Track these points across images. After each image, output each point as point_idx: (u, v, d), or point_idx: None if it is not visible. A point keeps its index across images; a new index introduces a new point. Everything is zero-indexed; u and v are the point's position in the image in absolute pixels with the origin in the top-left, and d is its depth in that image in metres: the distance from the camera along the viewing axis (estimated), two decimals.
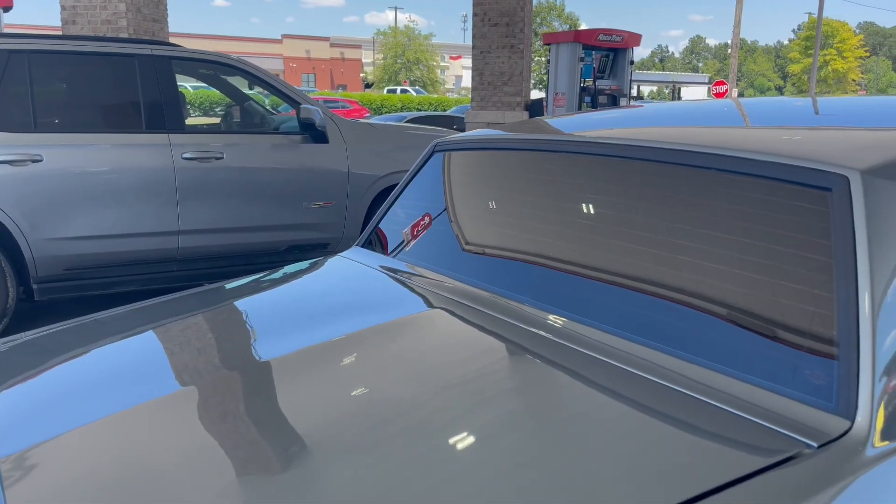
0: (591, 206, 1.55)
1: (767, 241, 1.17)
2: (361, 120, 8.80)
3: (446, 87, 61.43)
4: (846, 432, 0.95)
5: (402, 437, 1.04)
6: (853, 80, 57.75)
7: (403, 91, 39.26)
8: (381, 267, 1.90)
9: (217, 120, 6.13)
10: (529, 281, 1.54)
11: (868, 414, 0.96)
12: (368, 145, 5.22)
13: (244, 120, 5.58)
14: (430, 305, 1.60)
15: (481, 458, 0.98)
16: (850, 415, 0.97)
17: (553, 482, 0.92)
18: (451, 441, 1.04)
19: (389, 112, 25.88)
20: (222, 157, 4.61)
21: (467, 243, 1.82)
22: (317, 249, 5.10)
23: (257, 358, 1.41)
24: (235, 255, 4.77)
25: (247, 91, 5.91)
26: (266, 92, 5.32)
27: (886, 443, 0.96)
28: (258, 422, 1.12)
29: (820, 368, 1.02)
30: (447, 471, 0.95)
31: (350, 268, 1.96)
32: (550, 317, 1.39)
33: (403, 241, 2.01)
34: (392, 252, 1.99)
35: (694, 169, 1.31)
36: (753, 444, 0.97)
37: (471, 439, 1.04)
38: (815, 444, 0.95)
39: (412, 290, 1.73)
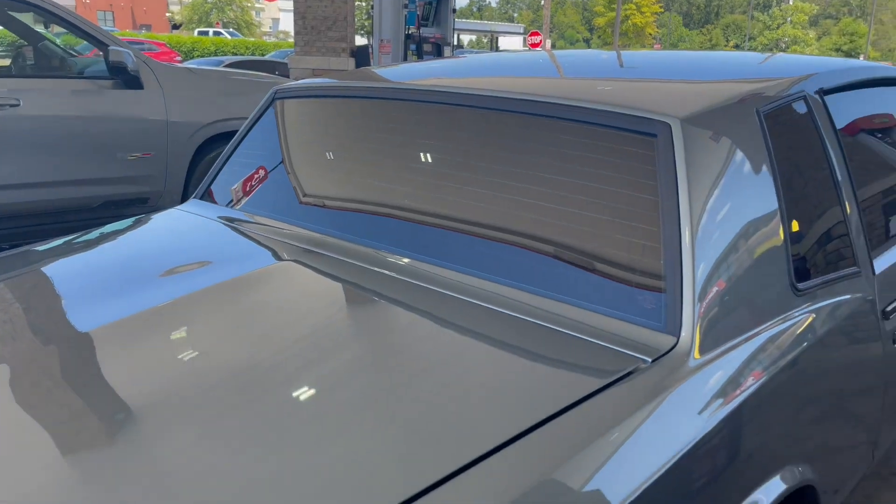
0: (431, 152, 1.60)
1: (602, 183, 1.29)
2: (179, 65, 8.23)
3: (262, 30, 58.56)
4: (673, 347, 1.10)
5: (250, 393, 1.04)
6: (650, 35, 62.48)
7: (216, 33, 36.89)
8: (222, 218, 1.84)
9: (6, 62, 5.48)
10: (372, 225, 1.57)
11: (690, 331, 1.12)
12: (188, 92, 4.91)
13: (40, 63, 5.02)
14: (276, 254, 1.59)
15: (333, 406, 1.02)
16: (676, 332, 1.12)
17: (409, 415, 0.98)
18: (298, 393, 1.06)
19: (202, 56, 24.24)
20: (18, 104, 4.13)
21: (310, 191, 1.81)
22: (135, 204, 4.76)
23: (84, 325, 1.32)
24: (42, 214, 4.34)
25: (40, 30, 5.29)
26: (63, 31, 4.81)
27: (704, 354, 1.12)
28: (84, 394, 1.06)
29: (650, 295, 1.16)
30: (290, 424, 0.97)
31: (189, 221, 1.88)
32: (393, 258, 1.44)
33: (245, 191, 1.96)
34: (233, 203, 1.94)
35: (535, 117, 1.40)
36: (601, 362, 1.09)
37: (321, 388, 1.07)
38: (649, 359, 1.09)
39: (256, 240, 1.70)
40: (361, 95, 1.85)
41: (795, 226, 1.37)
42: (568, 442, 0.93)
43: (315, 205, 1.74)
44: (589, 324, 1.16)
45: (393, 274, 1.40)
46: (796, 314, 1.30)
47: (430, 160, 1.61)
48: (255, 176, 1.98)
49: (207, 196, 2.02)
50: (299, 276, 1.49)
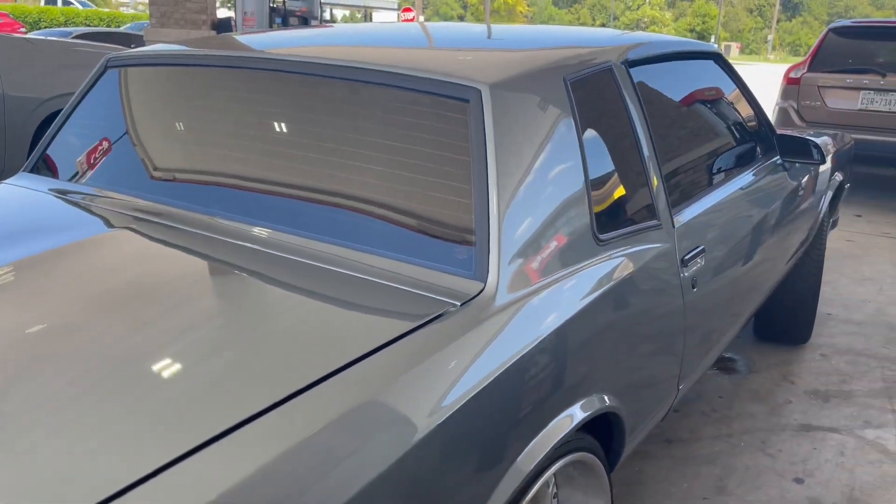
0: (268, 119, 1.64)
1: (419, 145, 1.38)
2: (16, 35, 7.61)
3: (119, 0, 54.92)
4: (480, 292, 1.21)
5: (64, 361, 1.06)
6: (521, 13, 63.87)
7: (66, 3, 34.21)
8: (53, 191, 1.79)
9: None
10: (210, 193, 1.60)
11: (496, 277, 1.23)
12: (28, 64, 4.60)
13: None
14: (106, 223, 1.58)
15: (139, 358, 1.07)
16: (483, 279, 1.23)
17: (215, 362, 1.06)
18: (101, 350, 1.10)
19: (49, 27, 22.42)
20: None
21: (142, 161, 1.80)
22: None
23: None
24: None
25: None
26: None
27: (510, 297, 1.24)
28: None
29: (462, 247, 1.27)
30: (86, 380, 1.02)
31: (17, 194, 1.81)
32: (223, 222, 1.48)
33: (78, 163, 1.91)
34: (65, 176, 1.88)
35: (358, 83, 1.47)
36: (415, 308, 1.19)
37: (130, 343, 1.11)
38: (458, 303, 1.19)
39: (87, 210, 1.68)
40: (194, 63, 1.84)
41: (598, 183, 1.52)
42: (379, 376, 1.02)
43: (147, 174, 1.73)
44: (406, 275, 1.26)
45: (221, 237, 1.43)
46: (596, 261, 1.45)
47: (254, 126, 1.65)
48: (88, 147, 1.94)
49: (37, 170, 1.95)
50: (127, 243, 1.49)
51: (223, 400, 0.97)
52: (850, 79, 6.19)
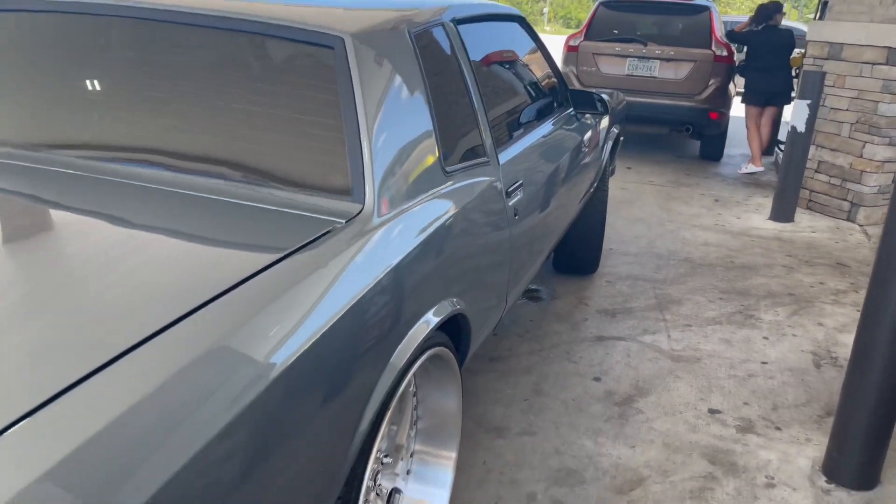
0: (150, 67, 1.69)
1: (294, 88, 1.54)
2: None
3: None
4: (361, 211, 1.43)
5: None
6: None
7: None
8: None
9: None
10: (85, 134, 1.63)
11: (372, 199, 1.45)
12: None
13: None
14: None
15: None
16: (362, 201, 1.44)
17: (100, 292, 1.11)
18: None
19: None
20: None
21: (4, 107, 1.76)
22: None
23: None
24: None
25: None
26: None
27: (383, 215, 1.47)
28: None
29: (341, 175, 1.47)
30: None
31: None
32: (109, 165, 1.55)
33: None
34: None
35: (235, 33, 1.59)
36: (310, 226, 1.36)
37: None
38: (343, 221, 1.39)
39: None
40: (43, 10, 1.82)
41: (442, 124, 1.78)
42: (288, 278, 1.19)
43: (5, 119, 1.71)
44: (295, 202, 1.43)
45: (99, 176, 1.50)
46: (445, 189, 1.71)
47: (132, 74, 1.69)
48: None
49: None
50: None
51: (91, 337, 0.98)
52: (618, 47, 7.04)
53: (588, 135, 3.18)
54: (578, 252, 3.78)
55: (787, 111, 7.10)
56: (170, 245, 1.30)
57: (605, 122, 3.59)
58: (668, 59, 6.90)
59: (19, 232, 1.34)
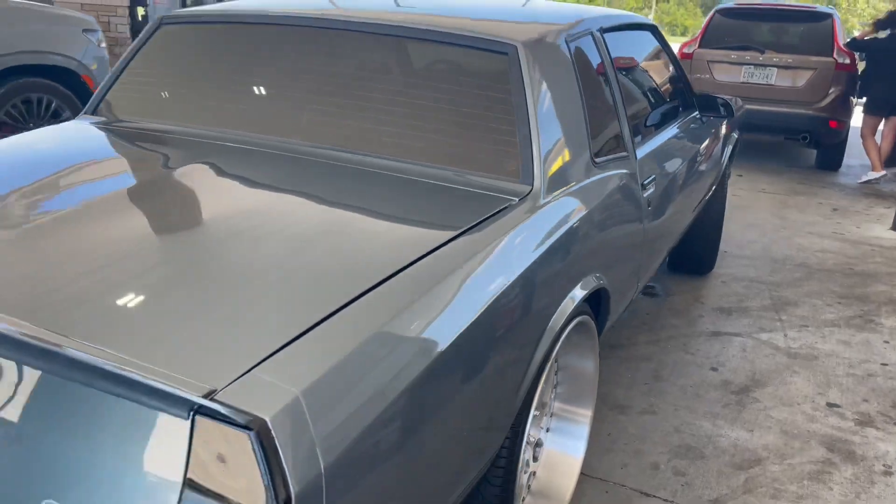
0: (319, 72, 2.02)
1: (473, 88, 1.82)
2: None
3: None
4: (530, 192, 1.68)
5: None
6: None
7: None
8: (122, 128, 2.09)
9: None
10: (289, 123, 1.96)
11: (539, 182, 1.70)
12: None
13: None
14: (187, 150, 1.90)
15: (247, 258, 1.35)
16: (531, 183, 1.70)
17: (345, 245, 1.39)
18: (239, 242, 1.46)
19: None
20: None
21: (198, 102, 2.12)
22: None
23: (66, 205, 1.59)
24: None
25: None
26: None
27: (547, 196, 1.72)
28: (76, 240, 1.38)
29: (514, 161, 1.73)
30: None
31: (92, 130, 2.10)
32: (314, 148, 1.87)
33: (137, 103, 2.20)
34: (125, 118, 2.17)
35: (420, 42, 1.89)
36: (492, 203, 1.63)
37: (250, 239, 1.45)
38: (516, 199, 1.65)
39: (161, 141, 1.98)
40: (241, 22, 2.18)
41: (591, 120, 2.01)
42: (481, 242, 1.46)
43: (205, 113, 2.06)
44: (483, 185, 1.70)
45: (308, 158, 1.82)
46: (594, 177, 1.95)
47: (309, 80, 2.02)
48: (144, 91, 2.23)
49: (97, 112, 2.23)
50: (210, 164, 1.83)
51: (334, 281, 1.24)
52: (734, 55, 7.04)
53: (711, 138, 3.33)
54: (696, 251, 3.90)
55: None
56: (384, 214, 1.59)
57: (724, 126, 3.71)
58: (787, 67, 6.84)
59: (255, 205, 1.66)
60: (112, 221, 1.44)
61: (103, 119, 2.18)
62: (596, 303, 2.01)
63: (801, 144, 7.03)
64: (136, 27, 9.59)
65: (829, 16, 7.09)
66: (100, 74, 5.36)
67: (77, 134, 2.09)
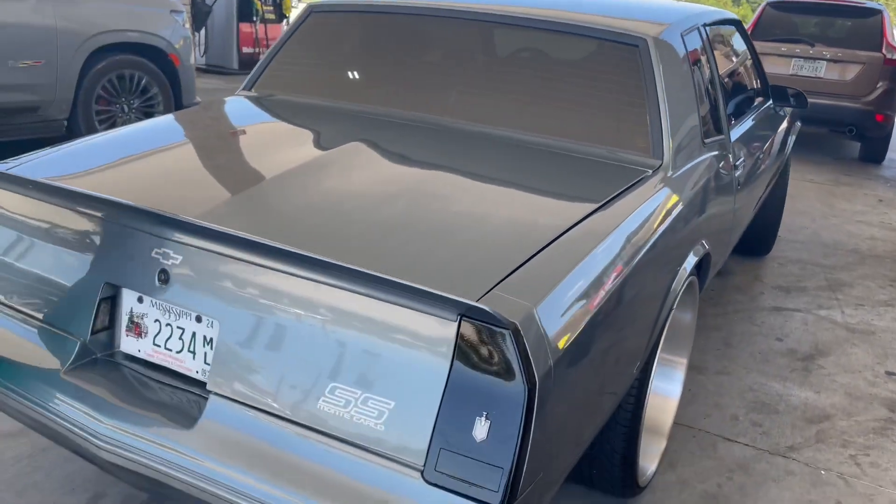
0: (466, 58, 2.31)
1: (609, 74, 2.10)
2: None
3: None
4: (661, 165, 1.97)
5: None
6: None
7: None
8: (289, 102, 2.39)
9: None
10: (431, 102, 2.25)
11: (668, 157, 1.98)
12: (75, 3, 4.93)
13: None
14: (345, 125, 2.19)
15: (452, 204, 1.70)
16: (661, 158, 1.98)
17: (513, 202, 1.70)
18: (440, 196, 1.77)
19: None
20: None
21: (357, 82, 2.42)
22: (25, 113, 4.77)
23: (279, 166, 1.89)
24: None
25: None
26: None
27: (674, 171, 2.00)
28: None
29: (647, 140, 2.01)
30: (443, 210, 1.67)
31: (257, 105, 2.40)
32: (468, 124, 2.16)
33: (289, 81, 2.50)
34: (281, 90, 2.46)
35: (558, 33, 2.18)
36: (631, 174, 1.91)
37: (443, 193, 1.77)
38: (650, 171, 1.94)
39: (322, 116, 2.27)
40: (386, 12, 2.47)
41: (701, 105, 2.29)
42: (624, 209, 1.74)
43: (362, 91, 2.36)
44: (619, 158, 1.99)
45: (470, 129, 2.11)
46: (704, 155, 2.23)
47: (459, 65, 2.31)
48: (295, 71, 2.53)
49: (254, 87, 2.53)
50: (380, 134, 2.11)
51: (534, 227, 1.56)
52: (784, 48, 7.22)
53: (781, 125, 3.58)
54: (758, 233, 4.16)
55: None
56: (553, 178, 1.87)
57: (789, 117, 3.96)
58: (836, 61, 7.02)
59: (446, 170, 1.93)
60: (336, 175, 1.75)
61: (258, 94, 2.48)
62: (698, 267, 2.29)
63: (847, 137, 7.21)
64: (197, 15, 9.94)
65: (878, 11, 7.24)
66: (184, 53, 5.68)
67: (246, 107, 2.39)
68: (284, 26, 11.13)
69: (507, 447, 1.20)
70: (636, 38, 2.10)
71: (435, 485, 1.24)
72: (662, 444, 2.26)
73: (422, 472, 1.25)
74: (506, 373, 1.21)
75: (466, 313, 1.23)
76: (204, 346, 1.49)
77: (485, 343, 1.22)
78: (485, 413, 1.22)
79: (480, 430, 1.22)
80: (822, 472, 2.38)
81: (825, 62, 7.07)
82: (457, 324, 1.24)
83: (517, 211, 1.64)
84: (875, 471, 2.41)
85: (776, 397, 2.81)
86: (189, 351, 1.52)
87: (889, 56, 6.92)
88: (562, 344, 1.31)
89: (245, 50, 10.53)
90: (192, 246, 1.46)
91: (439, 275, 1.33)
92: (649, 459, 2.17)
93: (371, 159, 1.89)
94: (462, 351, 1.24)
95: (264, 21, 10.67)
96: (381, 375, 1.29)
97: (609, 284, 1.52)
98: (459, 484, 1.22)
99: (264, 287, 1.40)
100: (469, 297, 1.24)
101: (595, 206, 1.68)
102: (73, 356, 1.57)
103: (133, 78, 5.38)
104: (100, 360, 1.59)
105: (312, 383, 1.34)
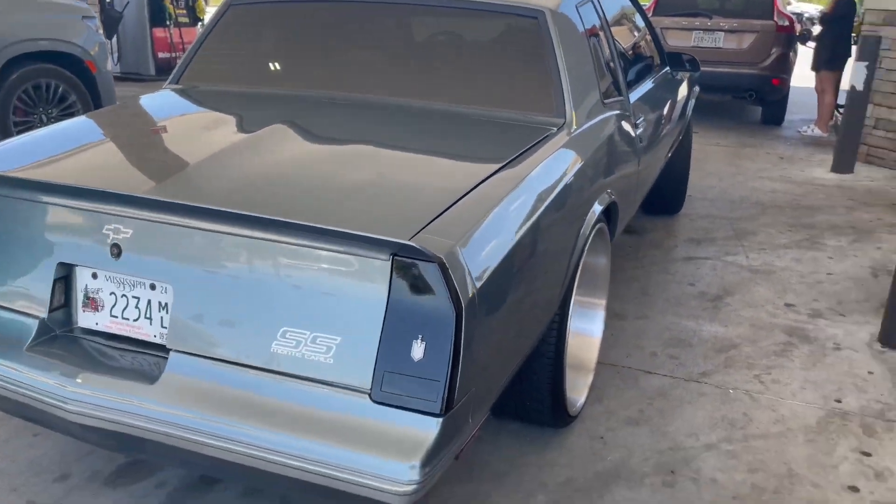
0: (382, 39, 2.48)
1: (512, 45, 2.31)
2: None
3: None
4: (564, 123, 2.19)
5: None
6: None
7: None
8: (216, 91, 2.51)
9: None
10: (348, 80, 2.41)
11: (570, 115, 2.20)
12: None
13: None
14: (277, 106, 2.34)
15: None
16: (564, 116, 2.20)
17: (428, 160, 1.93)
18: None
19: None
20: None
21: (279, 68, 2.57)
22: None
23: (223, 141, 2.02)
24: None
25: None
26: None
27: (576, 128, 2.22)
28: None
29: (550, 100, 2.22)
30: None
31: (184, 96, 2.52)
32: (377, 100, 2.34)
33: (218, 72, 2.62)
34: (214, 82, 2.59)
35: (465, 11, 2.37)
36: (537, 132, 2.11)
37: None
38: (555, 128, 2.16)
39: (253, 99, 2.41)
40: (302, 0, 2.62)
41: (598, 70, 2.52)
42: (533, 162, 1.95)
43: (284, 75, 2.51)
44: (524, 119, 2.20)
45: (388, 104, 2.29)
46: (604, 114, 2.46)
47: (369, 47, 2.48)
48: (221, 63, 2.65)
49: (181, 81, 2.64)
50: (307, 109, 2.27)
51: (453, 178, 1.76)
52: (684, 21, 7.64)
53: (680, 89, 3.88)
54: (667, 193, 4.47)
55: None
56: (469, 137, 2.06)
57: (687, 81, 4.27)
58: (733, 31, 7.47)
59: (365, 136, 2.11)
60: (269, 147, 1.89)
61: (184, 87, 2.59)
62: (607, 214, 2.53)
63: (748, 102, 7.69)
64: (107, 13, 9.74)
65: None
66: (101, 59, 5.64)
67: (175, 98, 2.50)
68: (199, 29, 11.01)
69: (442, 362, 1.39)
70: (535, 10, 2.32)
71: (382, 403, 1.41)
72: (589, 379, 2.50)
73: (369, 394, 1.42)
74: (436, 299, 1.40)
75: (399, 252, 1.41)
76: (160, 311, 1.63)
77: (416, 276, 1.41)
78: (420, 336, 1.40)
79: (417, 350, 1.40)
80: (731, 391, 2.66)
81: (723, 33, 7.52)
82: (390, 262, 1.42)
83: (437, 168, 1.83)
84: (777, 386, 2.71)
85: (690, 333, 3.10)
86: (146, 318, 1.65)
87: (780, 23, 7.41)
88: (483, 275, 1.51)
89: (161, 55, 10.38)
90: (140, 219, 1.59)
91: (372, 223, 1.50)
92: (578, 392, 2.40)
93: (300, 133, 2.05)
94: (397, 285, 1.42)
95: (178, 25, 10.53)
96: (327, 316, 1.46)
97: (523, 226, 1.72)
98: (403, 399, 1.40)
99: (212, 249, 1.54)
100: (400, 238, 1.42)
101: (507, 160, 1.88)
102: (34, 334, 1.68)
103: (49, 87, 5.33)
104: (59, 336, 1.70)
105: (265, 330, 1.50)
